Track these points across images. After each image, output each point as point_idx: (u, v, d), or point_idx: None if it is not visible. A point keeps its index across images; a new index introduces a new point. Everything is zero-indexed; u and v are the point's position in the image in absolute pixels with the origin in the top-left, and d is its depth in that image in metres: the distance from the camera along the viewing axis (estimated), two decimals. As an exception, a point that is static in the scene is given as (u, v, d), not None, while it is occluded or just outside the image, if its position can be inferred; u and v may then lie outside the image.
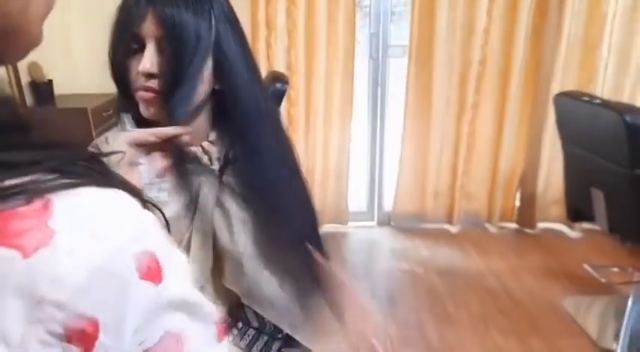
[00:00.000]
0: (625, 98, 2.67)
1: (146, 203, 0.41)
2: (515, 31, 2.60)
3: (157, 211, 0.43)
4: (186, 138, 0.77)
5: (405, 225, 2.98)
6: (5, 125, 0.37)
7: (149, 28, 0.72)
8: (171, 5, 0.71)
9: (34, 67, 2.30)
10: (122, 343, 0.36)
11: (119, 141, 0.73)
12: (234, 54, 0.78)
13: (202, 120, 0.83)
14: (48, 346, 0.34)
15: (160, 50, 0.73)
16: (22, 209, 0.33)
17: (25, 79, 2.26)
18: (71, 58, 2.52)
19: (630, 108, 1.73)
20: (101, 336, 0.35)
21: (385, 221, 3.02)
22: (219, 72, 0.77)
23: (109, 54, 0.78)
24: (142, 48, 0.73)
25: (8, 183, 0.33)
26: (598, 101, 1.86)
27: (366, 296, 2.27)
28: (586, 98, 1.91)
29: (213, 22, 0.75)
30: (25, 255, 0.32)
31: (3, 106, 0.39)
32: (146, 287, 0.37)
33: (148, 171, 0.75)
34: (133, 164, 0.73)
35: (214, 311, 0.43)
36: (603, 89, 2.67)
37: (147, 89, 0.74)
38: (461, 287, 2.35)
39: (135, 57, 0.75)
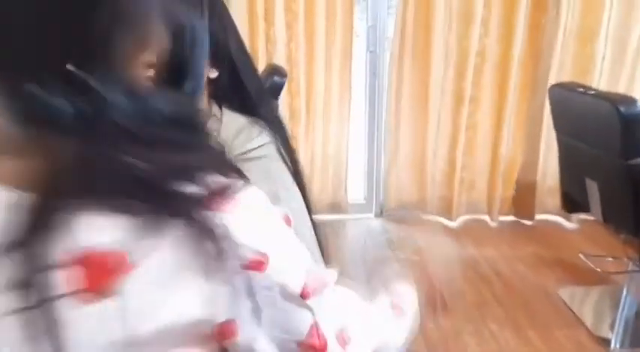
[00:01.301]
0: (621, 89, 2.67)
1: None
2: (512, 23, 2.60)
3: None
4: None
5: (402, 215, 3.00)
6: (188, 124, 0.45)
7: None
8: None
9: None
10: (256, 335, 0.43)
11: None
12: (229, 40, 0.81)
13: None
14: (235, 274, 0.42)
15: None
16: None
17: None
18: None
19: (624, 99, 1.74)
20: (268, 268, 0.43)
21: (383, 212, 3.04)
22: (215, 60, 0.79)
23: None
24: None
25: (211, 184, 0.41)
26: (592, 92, 1.88)
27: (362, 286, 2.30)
28: (581, 89, 1.92)
29: (205, 10, 0.76)
30: (226, 213, 0.41)
31: (189, 104, 0.48)
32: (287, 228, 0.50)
33: None
34: None
35: None
36: (600, 80, 2.68)
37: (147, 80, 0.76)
38: (457, 278, 2.37)
39: None
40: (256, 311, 0.43)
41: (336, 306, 0.53)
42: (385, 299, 0.70)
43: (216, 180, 0.42)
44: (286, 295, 0.45)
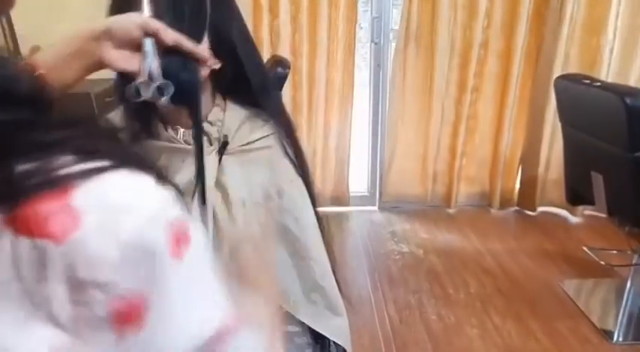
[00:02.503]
0: (632, 82, 2.65)
1: (162, 179, 0.40)
2: (516, 14, 2.58)
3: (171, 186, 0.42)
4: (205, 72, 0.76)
5: (404, 207, 3.00)
6: (26, 101, 0.36)
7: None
8: None
9: (35, 52, 2.31)
10: (173, 318, 0.36)
11: (130, 15, 0.67)
12: (232, 29, 0.80)
13: (202, 101, 0.84)
14: (98, 329, 0.33)
15: None
16: (45, 192, 0.32)
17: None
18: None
19: (630, 91, 1.73)
20: (150, 310, 0.34)
21: (386, 204, 3.04)
22: (218, 50, 0.79)
23: None
24: None
25: (29, 166, 0.32)
26: (598, 84, 1.86)
27: (365, 277, 2.32)
28: (586, 81, 1.91)
29: (207, 1, 0.76)
30: (58, 242, 0.31)
31: (21, 81, 0.37)
32: (177, 261, 0.36)
33: (153, 61, 0.66)
34: (125, 47, 0.66)
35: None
36: (608, 72, 2.65)
37: None
38: (460, 269, 2.38)
39: None
40: None
41: None
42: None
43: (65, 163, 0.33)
44: None
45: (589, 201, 2.00)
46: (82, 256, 0.32)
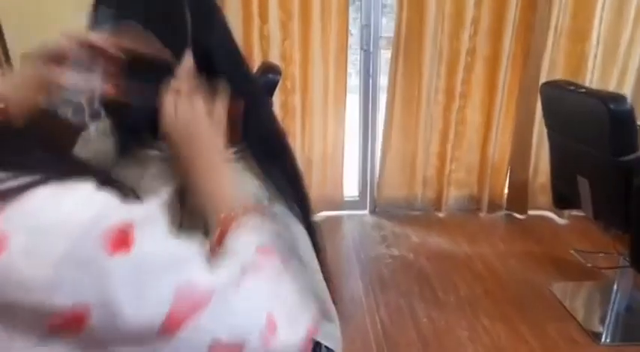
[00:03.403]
0: (612, 88, 2.71)
1: (106, 181, 0.41)
2: (503, 22, 2.63)
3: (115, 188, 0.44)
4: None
5: (395, 212, 3.03)
6: None
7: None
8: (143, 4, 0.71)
9: (25, 59, 2.31)
10: (117, 319, 0.37)
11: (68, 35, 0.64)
12: (215, 43, 0.78)
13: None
14: (41, 344, 0.34)
15: None
16: None
17: (19, 71, 2.27)
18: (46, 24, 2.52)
19: (614, 97, 1.76)
20: (92, 319, 0.36)
21: (376, 208, 3.06)
22: (201, 64, 0.79)
23: None
24: None
25: None
26: (583, 90, 1.90)
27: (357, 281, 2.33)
28: (571, 87, 1.95)
29: (187, 15, 0.76)
30: None
31: None
32: (120, 260, 0.37)
33: (81, 78, 0.63)
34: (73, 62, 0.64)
35: (194, 246, 0.46)
36: (592, 79, 2.71)
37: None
38: (450, 272, 2.40)
39: None
40: None
41: (246, 304, 0.47)
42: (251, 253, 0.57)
43: None
44: None
45: (576, 205, 2.03)
46: (10, 279, 0.32)
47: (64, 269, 0.34)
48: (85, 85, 0.63)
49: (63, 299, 0.34)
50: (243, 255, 0.53)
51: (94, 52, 0.63)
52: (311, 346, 0.53)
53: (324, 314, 0.95)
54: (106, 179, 0.41)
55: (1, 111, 0.61)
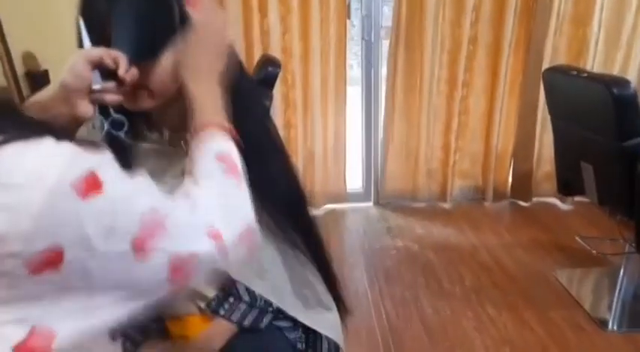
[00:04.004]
0: (616, 72, 2.68)
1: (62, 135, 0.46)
2: (504, 9, 2.60)
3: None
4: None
5: (399, 203, 3.02)
6: None
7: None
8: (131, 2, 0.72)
9: (28, 57, 2.32)
10: (95, 250, 0.43)
11: (76, 57, 0.67)
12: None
13: (184, 106, 0.84)
14: (19, 282, 0.39)
15: None
16: None
17: (20, 70, 2.28)
18: (66, 49, 2.53)
19: (617, 81, 1.74)
20: (68, 256, 0.41)
21: (380, 200, 3.06)
22: None
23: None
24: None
25: None
26: (585, 74, 1.88)
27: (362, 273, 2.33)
28: (574, 72, 1.92)
29: (175, 12, 0.74)
30: None
31: None
32: (93, 202, 0.43)
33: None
34: (83, 83, 0.67)
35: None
36: (594, 64, 2.68)
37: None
38: (455, 263, 2.39)
39: None
40: None
41: (195, 220, 0.55)
42: (209, 160, 0.63)
43: None
44: None
45: (580, 191, 2.02)
46: None
47: (43, 220, 0.39)
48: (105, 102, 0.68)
49: (41, 244, 0.39)
50: (200, 165, 0.61)
51: (106, 71, 0.68)
52: (251, 238, 0.62)
53: (319, 304, 0.95)
54: (66, 136, 0.46)
55: None
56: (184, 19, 0.73)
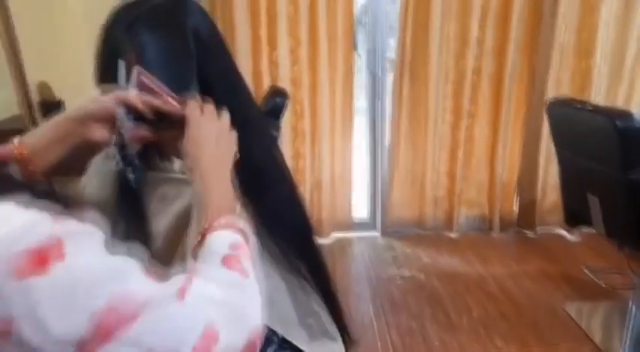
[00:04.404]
0: (619, 103, 2.70)
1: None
2: (508, 41, 2.65)
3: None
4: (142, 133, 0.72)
5: (406, 232, 3.02)
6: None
7: (130, 57, 0.75)
8: (147, 33, 0.75)
9: (43, 87, 2.38)
10: (44, 332, 0.39)
11: (108, 95, 0.69)
12: (215, 71, 0.81)
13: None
14: None
15: None
16: None
17: (35, 99, 2.34)
18: (81, 79, 2.59)
19: (621, 113, 1.76)
20: (18, 331, 0.38)
21: (386, 229, 3.06)
22: (202, 89, 0.80)
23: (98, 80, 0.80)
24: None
25: None
26: (590, 107, 1.90)
27: (367, 303, 2.31)
28: (578, 105, 1.95)
29: (191, 44, 0.79)
30: None
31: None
32: (47, 277, 0.39)
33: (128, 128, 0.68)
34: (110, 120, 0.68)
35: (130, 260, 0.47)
36: (598, 95, 2.71)
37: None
38: (462, 293, 2.37)
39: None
40: None
41: (183, 315, 0.47)
42: (215, 256, 0.57)
43: None
44: None
45: (587, 222, 2.01)
46: None
47: None
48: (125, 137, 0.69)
49: None
50: (207, 255, 0.55)
51: (127, 108, 0.68)
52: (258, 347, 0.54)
53: (324, 334, 0.95)
54: (45, 192, 0.43)
55: (22, 160, 0.65)
56: (200, 47, 0.77)
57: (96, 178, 0.83)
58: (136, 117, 0.69)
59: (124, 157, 0.70)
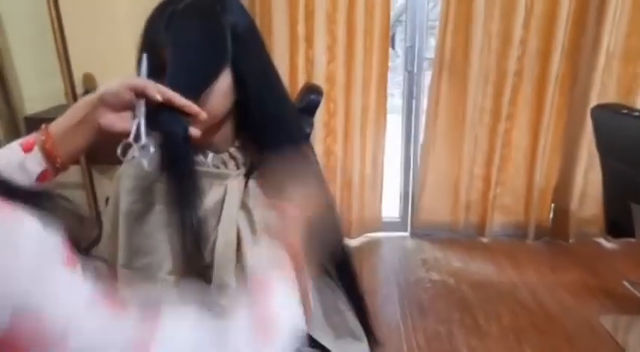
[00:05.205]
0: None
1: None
2: (552, 43, 2.57)
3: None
4: (195, 132, 0.75)
5: (436, 235, 2.97)
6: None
7: (167, 51, 0.76)
8: (185, 27, 0.76)
9: (87, 79, 2.46)
10: None
11: (117, 80, 0.70)
12: (251, 66, 0.82)
13: (228, 128, 0.88)
14: None
15: None
16: None
17: (79, 90, 2.42)
18: (124, 70, 2.67)
19: (670, 121, 1.68)
20: None
21: (417, 231, 3.02)
22: (238, 84, 0.82)
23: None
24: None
25: None
26: (636, 113, 1.82)
27: (395, 305, 2.29)
28: (624, 110, 1.87)
29: (228, 38, 0.80)
30: None
31: None
32: None
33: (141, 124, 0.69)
34: (122, 109, 0.70)
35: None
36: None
37: None
38: (492, 300, 2.32)
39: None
40: None
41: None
42: (244, 320, 0.55)
43: None
44: None
45: (630, 233, 1.93)
46: None
47: None
48: (140, 128, 0.69)
49: None
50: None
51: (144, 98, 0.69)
52: None
53: (349, 334, 0.95)
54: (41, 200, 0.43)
55: (47, 146, 0.67)
56: (237, 42, 0.78)
57: (132, 167, 0.85)
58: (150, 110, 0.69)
59: (143, 145, 0.69)
